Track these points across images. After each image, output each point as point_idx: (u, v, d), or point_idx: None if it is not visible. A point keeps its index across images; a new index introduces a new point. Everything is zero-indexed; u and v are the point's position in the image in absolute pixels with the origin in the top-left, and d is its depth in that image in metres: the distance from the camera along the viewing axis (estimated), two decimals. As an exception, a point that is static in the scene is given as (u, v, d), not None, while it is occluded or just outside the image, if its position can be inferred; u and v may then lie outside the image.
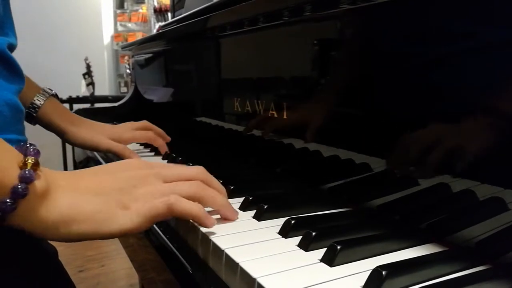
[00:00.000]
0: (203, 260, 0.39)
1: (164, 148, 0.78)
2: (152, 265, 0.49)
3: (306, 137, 0.55)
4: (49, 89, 0.72)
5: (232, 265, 0.33)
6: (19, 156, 0.34)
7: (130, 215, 0.36)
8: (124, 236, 0.38)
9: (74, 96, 3.12)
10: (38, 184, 0.33)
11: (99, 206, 0.36)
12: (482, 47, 0.35)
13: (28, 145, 0.35)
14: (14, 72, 0.50)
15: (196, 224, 0.40)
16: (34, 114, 0.69)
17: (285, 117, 0.58)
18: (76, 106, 2.37)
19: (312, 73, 0.55)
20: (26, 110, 0.67)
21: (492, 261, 0.33)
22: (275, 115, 0.60)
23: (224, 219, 0.42)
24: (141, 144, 0.87)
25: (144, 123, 0.79)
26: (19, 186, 0.32)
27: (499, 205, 0.34)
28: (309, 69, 0.55)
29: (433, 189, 0.39)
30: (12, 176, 0.32)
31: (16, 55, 0.52)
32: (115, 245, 2.05)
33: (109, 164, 0.42)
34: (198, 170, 0.43)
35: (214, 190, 0.42)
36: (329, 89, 0.52)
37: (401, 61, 0.42)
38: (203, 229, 0.39)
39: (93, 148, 0.73)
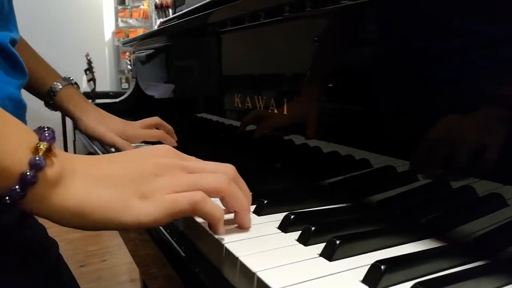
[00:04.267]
0: (204, 254, 0.39)
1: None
2: (153, 260, 0.50)
3: (306, 133, 0.55)
4: (69, 77, 0.76)
5: (232, 259, 0.33)
6: (34, 139, 0.32)
7: (147, 207, 0.34)
8: (140, 229, 0.35)
9: (75, 92, 3.11)
10: (50, 171, 0.31)
11: (114, 195, 0.34)
12: (482, 44, 0.35)
13: (45, 128, 0.33)
14: (16, 66, 0.51)
15: (198, 220, 0.41)
16: (51, 101, 0.74)
17: (285, 113, 0.58)
18: (77, 102, 2.37)
19: (313, 69, 0.55)
20: (47, 95, 0.73)
21: (490, 257, 0.33)
22: (275, 111, 0.60)
23: (238, 225, 0.39)
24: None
25: (155, 119, 0.81)
26: (28, 173, 0.30)
27: (498, 201, 0.34)
28: (309, 65, 0.55)
29: (432, 185, 0.39)
30: (22, 161, 0.30)
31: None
32: (117, 240, 2.06)
33: (134, 150, 0.39)
34: (228, 168, 0.39)
35: (239, 190, 0.38)
36: (330, 85, 0.52)
37: (401, 58, 0.42)
38: (204, 224, 0.39)
39: (99, 140, 0.76)
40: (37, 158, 0.31)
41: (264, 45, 0.65)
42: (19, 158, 0.31)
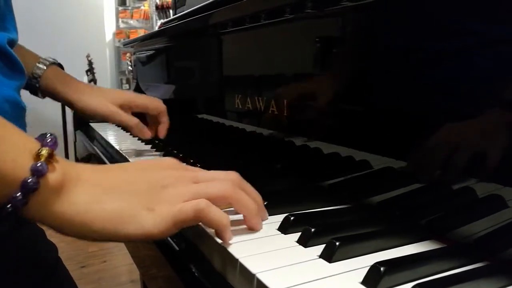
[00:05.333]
0: (204, 256, 0.39)
1: (161, 131, 0.75)
2: (153, 261, 0.50)
3: (307, 134, 0.55)
4: (51, 58, 0.70)
5: (232, 260, 0.33)
6: (36, 146, 0.32)
7: (153, 218, 0.33)
8: (147, 241, 0.35)
9: (76, 92, 3.12)
10: (52, 177, 0.31)
11: (120, 206, 0.33)
12: (484, 45, 0.35)
13: (48, 134, 0.33)
14: (14, 68, 0.50)
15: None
16: (37, 85, 0.66)
17: (285, 114, 0.58)
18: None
19: (313, 70, 0.55)
20: (29, 82, 0.65)
21: (491, 258, 0.33)
22: (276, 112, 0.60)
23: (248, 228, 0.39)
24: (143, 141, 0.86)
25: (159, 107, 0.77)
26: (29, 180, 0.30)
27: (499, 203, 0.34)
28: (310, 66, 0.55)
29: (433, 186, 0.39)
30: (24, 168, 0.30)
31: (17, 51, 0.52)
32: (117, 242, 2.06)
33: (142, 161, 0.40)
34: (232, 176, 0.39)
35: (245, 194, 0.38)
36: (330, 86, 0.52)
37: (402, 59, 0.42)
38: (203, 225, 0.39)
39: (104, 118, 0.70)
40: (38, 164, 0.30)
41: (264, 46, 0.65)
42: (21, 165, 0.30)
